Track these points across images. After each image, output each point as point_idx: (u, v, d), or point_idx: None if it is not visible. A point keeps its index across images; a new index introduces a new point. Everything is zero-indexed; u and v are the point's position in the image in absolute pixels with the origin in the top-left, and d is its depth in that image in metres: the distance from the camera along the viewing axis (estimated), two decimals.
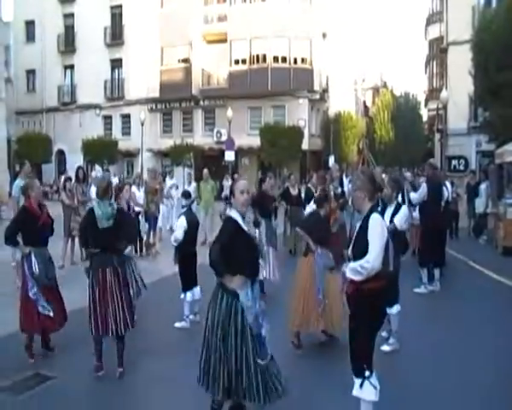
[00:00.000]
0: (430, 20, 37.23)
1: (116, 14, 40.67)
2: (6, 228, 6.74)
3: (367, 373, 4.55)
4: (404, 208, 7.46)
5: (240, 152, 33.78)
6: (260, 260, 4.89)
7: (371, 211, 4.65)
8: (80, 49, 41.59)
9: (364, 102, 54.68)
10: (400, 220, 7.17)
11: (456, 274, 11.83)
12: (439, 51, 34.28)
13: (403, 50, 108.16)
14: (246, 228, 4.72)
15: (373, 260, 4.42)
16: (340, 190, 13.40)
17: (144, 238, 14.20)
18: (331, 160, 29.70)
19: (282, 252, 12.56)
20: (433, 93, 35.84)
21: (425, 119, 47.01)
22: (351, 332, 4.69)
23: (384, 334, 6.97)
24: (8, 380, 5.98)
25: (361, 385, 4.57)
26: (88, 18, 40.39)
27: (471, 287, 10.76)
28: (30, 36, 44.08)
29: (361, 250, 4.51)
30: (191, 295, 7.94)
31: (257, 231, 9.48)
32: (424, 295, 10.00)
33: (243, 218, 4.74)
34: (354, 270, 4.52)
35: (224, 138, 32.85)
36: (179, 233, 7.79)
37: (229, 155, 28.96)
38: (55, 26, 42.27)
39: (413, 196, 10.38)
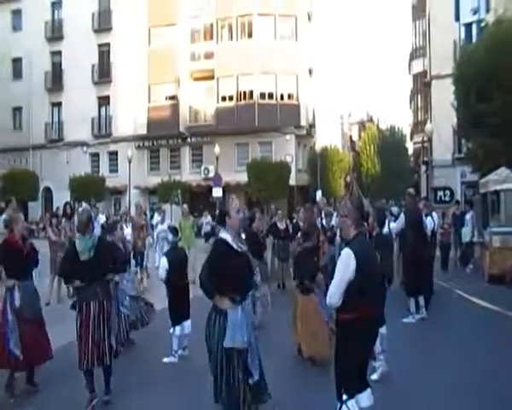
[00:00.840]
0: (413, 55, 37.92)
1: (104, 52, 41.09)
2: None
3: (344, 397, 4.56)
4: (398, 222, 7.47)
5: (227, 188, 33.79)
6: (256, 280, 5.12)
7: (348, 243, 4.70)
8: (68, 86, 41.83)
9: (351, 137, 55.30)
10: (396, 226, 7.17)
11: (444, 303, 11.82)
12: (422, 85, 34.85)
13: (388, 85, 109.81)
14: (236, 247, 4.87)
15: (329, 297, 4.55)
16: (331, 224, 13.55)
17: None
18: (318, 194, 29.88)
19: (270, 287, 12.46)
20: (418, 126, 36.30)
21: (411, 151, 47.55)
22: (334, 357, 4.78)
23: (374, 364, 6.95)
24: None
25: (339, 409, 4.59)
26: (75, 55, 40.61)
27: (459, 315, 10.79)
28: (17, 73, 44.25)
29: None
30: (180, 329, 7.86)
31: None
32: (412, 324, 9.98)
33: (235, 238, 4.95)
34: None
35: (211, 175, 33.01)
36: (162, 273, 7.84)
37: (217, 192, 29.05)
38: (43, 63, 42.55)
39: (392, 226, 10.45)
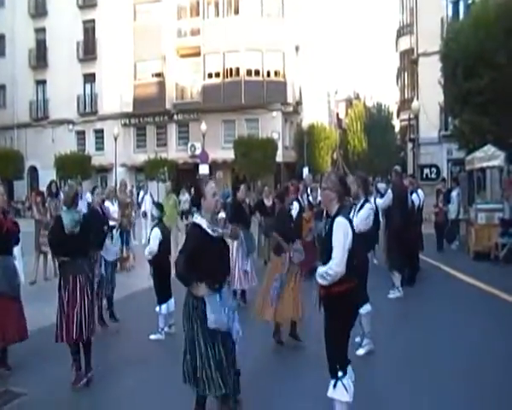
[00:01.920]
0: (400, 33, 37.74)
1: (89, 29, 40.48)
2: None
3: (340, 374, 4.58)
4: (367, 207, 7.34)
5: (214, 165, 33.74)
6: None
7: (337, 214, 4.67)
8: (52, 63, 41.22)
9: (337, 114, 55.24)
10: (357, 222, 6.91)
11: (430, 279, 12.00)
12: (409, 63, 34.78)
13: (375, 62, 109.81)
14: (211, 232, 4.78)
15: (336, 266, 4.48)
16: (318, 199, 13.60)
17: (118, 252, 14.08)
18: (305, 171, 29.89)
19: (256, 263, 12.48)
20: (404, 104, 36.26)
21: (397, 129, 47.66)
22: (325, 334, 4.74)
23: (357, 339, 7.03)
24: None
25: (334, 386, 4.61)
26: (60, 32, 40.01)
27: (443, 291, 10.92)
28: (0, 50, 43.50)
29: (328, 254, 4.56)
30: (166, 308, 7.89)
31: (235, 242, 9.62)
32: (397, 299, 10.09)
33: (211, 221, 4.85)
34: (321, 276, 4.59)
35: (198, 152, 32.88)
36: (154, 245, 7.79)
37: (204, 169, 29.01)
38: (27, 40, 41.79)
39: (378, 201, 10.51)
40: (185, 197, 23.01)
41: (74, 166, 35.18)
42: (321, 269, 4.62)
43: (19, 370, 6.66)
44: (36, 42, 42.33)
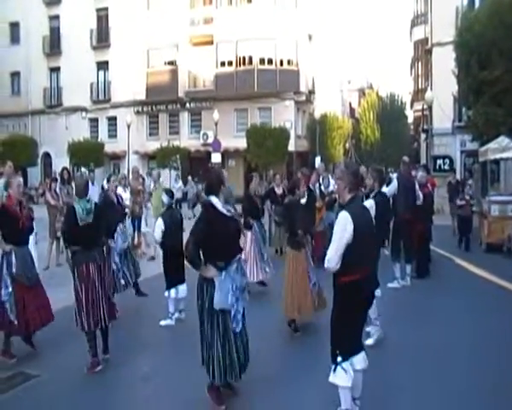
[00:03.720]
0: (415, 22, 37.43)
1: (102, 17, 40.53)
2: None
3: (339, 359, 4.63)
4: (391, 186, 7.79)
5: (226, 154, 33.84)
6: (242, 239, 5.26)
7: (346, 205, 4.71)
8: (66, 51, 41.35)
9: (350, 104, 54.98)
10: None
11: (441, 270, 11.95)
12: (423, 53, 34.50)
13: (389, 52, 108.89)
14: (225, 211, 5.03)
15: (328, 261, 4.54)
16: (329, 189, 13.61)
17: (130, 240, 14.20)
18: (317, 160, 29.86)
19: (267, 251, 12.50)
20: (418, 94, 36.02)
21: (411, 119, 47.37)
22: (330, 319, 4.81)
23: (366, 329, 7.05)
24: None
25: (334, 370, 4.66)
26: (74, 20, 40.14)
27: (454, 283, 10.89)
28: (15, 38, 43.66)
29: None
30: (175, 292, 7.95)
31: (249, 233, 9.68)
32: (401, 289, 10.10)
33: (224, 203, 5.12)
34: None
35: (210, 140, 32.89)
36: (157, 234, 7.88)
37: (216, 157, 29.04)
38: (41, 28, 41.94)
39: (384, 190, 10.51)
40: (178, 185, 22.88)
41: (87, 154, 35.37)
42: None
43: (34, 352, 6.79)
44: (50, 29, 42.44)
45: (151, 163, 37.38)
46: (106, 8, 40.24)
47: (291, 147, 33.96)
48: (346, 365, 4.61)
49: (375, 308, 7.02)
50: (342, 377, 4.60)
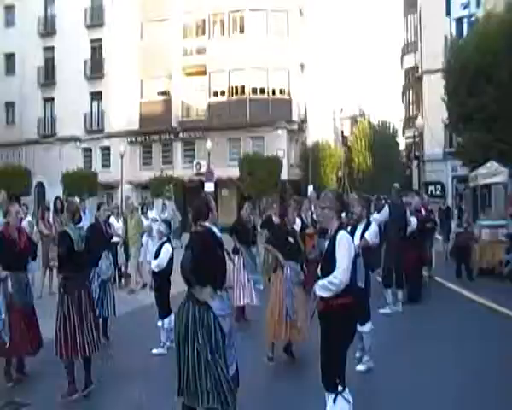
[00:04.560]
0: (405, 50, 38.09)
1: (96, 47, 41.00)
2: None
3: (340, 388, 4.58)
4: (374, 225, 7.64)
5: (219, 183, 33.93)
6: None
7: (338, 229, 4.76)
8: (60, 81, 41.69)
9: (342, 132, 55.41)
10: (371, 235, 7.35)
11: (433, 295, 11.96)
12: (414, 80, 35.03)
13: (380, 80, 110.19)
14: (219, 233, 5.02)
15: (341, 274, 4.52)
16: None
17: (122, 269, 14.21)
18: (310, 189, 30.03)
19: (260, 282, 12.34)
20: (409, 121, 36.48)
21: (403, 146, 47.72)
22: (323, 349, 4.72)
23: (357, 354, 7.05)
24: None
25: (334, 400, 4.59)
26: (68, 51, 40.54)
27: (446, 307, 10.88)
28: (10, 69, 44.09)
29: (329, 268, 4.61)
30: (168, 322, 7.96)
31: (236, 257, 9.70)
32: (397, 316, 10.11)
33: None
34: (323, 287, 4.61)
35: (203, 170, 33.06)
36: (165, 259, 7.92)
37: (209, 187, 29.19)
38: (35, 58, 42.36)
39: (375, 216, 10.57)
40: (164, 216, 20.92)
41: (81, 183, 35.40)
42: (323, 280, 4.64)
43: (24, 381, 6.80)
44: (44, 60, 42.85)
45: (144, 193, 37.40)
46: (100, 39, 40.72)
47: (284, 176, 34.20)
48: (346, 394, 4.59)
49: (369, 339, 7.02)
50: (344, 406, 4.57)
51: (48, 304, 10.42)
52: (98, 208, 9.75)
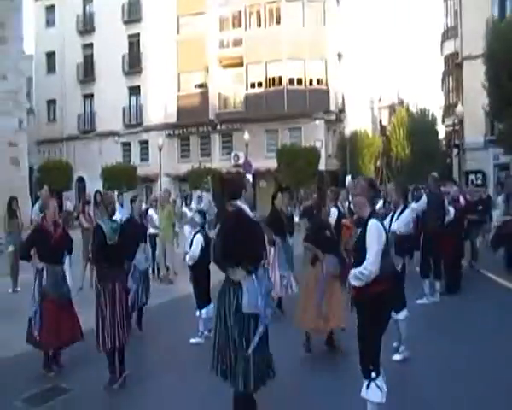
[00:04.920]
0: (445, 36, 37.25)
1: (134, 43, 41.54)
2: (21, 244, 7.05)
3: (373, 375, 4.63)
4: (407, 212, 7.58)
5: (257, 175, 33.98)
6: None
7: (370, 217, 4.77)
8: (99, 77, 42.49)
9: (380, 121, 54.70)
10: (399, 223, 7.27)
11: (474, 287, 11.71)
12: (454, 67, 34.29)
13: (419, 67, 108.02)
14: (251, 213, 5.00)
15: (370, 265, 4.56)
16: None
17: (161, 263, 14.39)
18: (348, 179, 29.81)
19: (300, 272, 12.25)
20: (449, 109, 35.73)
21: (443, 135, 46.81)
22: (358, 336, 4.79)
23: (394, 344, 7.01)
24: (27, 392, 6.22)
25: (367, 386, 4.65)
26: (106, 47, 41.26)
27: (486, 299, 10.58)
28: (50, 67, 45.25)
29: (361, 256, 4.65)
30: (205, 312, 8.04)
31: (272, 248, 9.70)
32: (430, 305, 9.97)
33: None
34: (355, 276, 4.68)
35: (241, 161, 33.10)
36: (197, 250, 7.96)
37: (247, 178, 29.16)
38: (75, 56, 43.28)
39: (413, 206, 10.42)
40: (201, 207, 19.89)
41: (120, 177, 35.97)
42: (354, 270, 4.70)
43: (67, 368, 7.01)
44: (84, 57, 43.69)
45: (182, 185, 37.78)
46: (137, 34, 41.23)
47: (322, 166, 34.01)
48: (379, 381, 4.63)
49: (405, 327, 6.96)
50: (377, 393, 4.61)
51: (88, 295, 10.70)
52: (133, 201, 9.86)
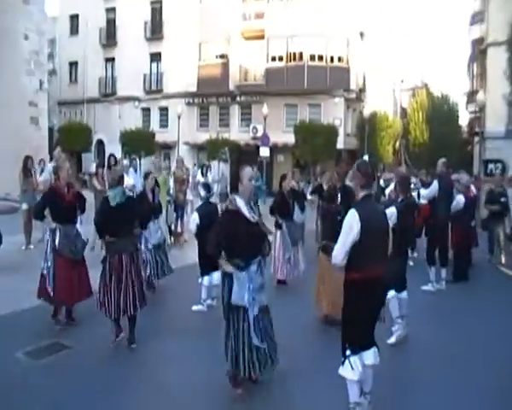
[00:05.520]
0: (473, 20, 36.55)
1: (156, 9, 41.30)
2: (35, 204, 7.31)
3: (347, 352, 4.76)
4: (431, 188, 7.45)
5: (275, 149, 33.95)
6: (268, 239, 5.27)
7: (355, 205, 4.82)
8: (121, 42, 42.39)
9: (401, 103, 54.01)
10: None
11: (482, 276, 11.68)
12: (479, 52, 33.70)
13: (446, 51, 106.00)
14: (248, 215, 5.07)
15: (334, 254, 4.75)
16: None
17: (172, 227, 14.61)
18: (365, 158, 29.70)
19: (312, 247, 12.13)
20: (473, 95, 35.21)
21: (466, 122, 46.15)
22: (342, 313, 4.95)
23: (393, 328, 7.13)
24: (30, 346, 6.52)
25: (342, 363, 4.80)
26: (129, 12, 41.13)
27: (494, 289, 10.60)
28: (73, 29, 45.20)
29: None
30: (208, 280, 8.20)
31: (278, 232, 9.88)
32: (435, 292, 10.04)
33: (248, 204, 5.18)
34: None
35: (259, 134, 33.01)
36: (192, 228, 8.21)
37: (264, 151, 29.20)
38: (98, 20, 43.10)
39: (423, 192, 10.41)
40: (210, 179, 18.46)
41: (138, 142, 36.06)
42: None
43: (70, 325, 7.30)
44: (106, 21, 43.58)
45: (200, 154, 37.89)
46: (160, 1, 40.99)
47: (340, 145, 33.85)
48: (353, 359, 4.72)
49: (396, 308, 7.09)
50: (348, 370, 4.73)
51: (100, 255, 10.95)
52: (146, 177, 9.98)
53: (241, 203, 5.10)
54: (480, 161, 28.11)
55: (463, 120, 46.65)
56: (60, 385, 5.59)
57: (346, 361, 4.75)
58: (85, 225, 8.69)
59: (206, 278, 8.22)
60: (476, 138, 32.59)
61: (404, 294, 7.22)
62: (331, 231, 7.26)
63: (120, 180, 6.83)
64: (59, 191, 7.19)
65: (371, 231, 4.63)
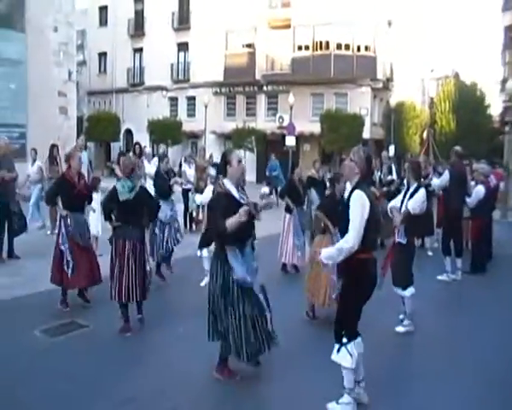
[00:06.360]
0: (505, 6, 35.76)
1: (183, 0, 41.61)
2: (47, 190, 7.62)
3: (344, 340, 4.77)
4: (421, 192, 7.27)
5: (301, 138, 33.93)
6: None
7: (356, 187, 4.80)
8: (149, 33, 42.81)
9: (429, 93, 53.15)
10: (413, 204, 7.11)
11: (502, 269, 11.55)
12: (509, 40, 33.07)
13: (479, 37, 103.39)
14: (238, 197, 5.17)
15: (352, 239, 4.58)
16: (389, 177, 13.66)
17: (194, 214, 14.90)
18: (391, 149, 29.57)
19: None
20: (504, 83, 34.58)
21: (499, 110, 45.19)
22: (339, 299, 5.00)
23: (401, 316, 7.19)
24: (46, 325, 6.86)
25: (338, 350, 4.80)
26: (156, 3, 41.57)
27: (510, 281, 10.50)
28: (103, 21, 45.91)
29: (346, 226, 4.70)
30: (208, 251, 8.39)
31: (287, 216, 10.05)
32: (450, 283, 10.03)
33: (237, 187, 5.28)
34: (331, 256, 4.76)
35: (286, 123, 32.98)
36: (206, 198, 8.21)
37: (290, 140, 29.22)
38: (126, 11, 43.70)
39: (435, 181, 10.37)
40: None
41: (166, 131, 36.36)
42: (331, 248, 4.86)
43: (86, 307, 7.66)
44: (135, 12, 44.07)
45: (227, 143, 38.10)
46: None
47: (366, 134, 33.67)
48: (350, 346, 4.73)
49: (410, 304, 7.09)
50: (346, 357, 4.73)
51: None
52: (161, 160, 10.21)
53: (229, 185, 5.20)
54: (509, 150, 27.67)
55: (497, 109, 45.73)
56: (74, 360, 5.89)
57: (343, 349, 4.75)
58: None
59: (205, 250, 8.50)
60: (507, 128, 32.03)
61: (412, 290, 7.17)
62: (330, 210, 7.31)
63: (132, 170, 7.00)
64: (70, 179, 7.47)
65: (372, 209, 4.70)
